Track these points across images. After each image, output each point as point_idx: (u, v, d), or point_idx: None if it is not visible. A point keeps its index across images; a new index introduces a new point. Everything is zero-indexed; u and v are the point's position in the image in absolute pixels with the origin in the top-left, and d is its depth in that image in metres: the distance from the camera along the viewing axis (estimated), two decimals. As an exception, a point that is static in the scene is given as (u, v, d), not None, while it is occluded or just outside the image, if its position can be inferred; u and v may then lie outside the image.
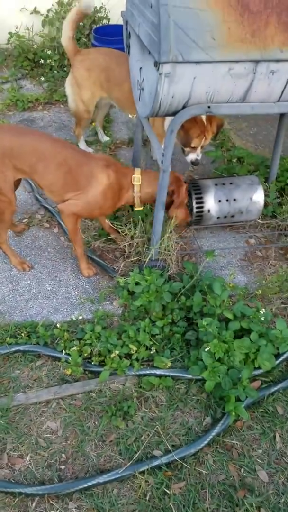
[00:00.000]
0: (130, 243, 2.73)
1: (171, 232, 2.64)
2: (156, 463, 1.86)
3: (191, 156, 2.87)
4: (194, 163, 2.90)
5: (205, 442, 1.92)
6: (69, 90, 3.23)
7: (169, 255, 2.62)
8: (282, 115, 2.85)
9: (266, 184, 3.13)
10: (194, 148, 2.83)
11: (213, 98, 2.08)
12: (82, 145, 3.54)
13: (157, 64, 1.91)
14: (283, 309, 2.51)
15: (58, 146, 2.33)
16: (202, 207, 2.79)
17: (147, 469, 1.85)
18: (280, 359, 2.19)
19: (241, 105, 2.15)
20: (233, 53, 1.92)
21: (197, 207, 2.79)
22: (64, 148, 2.34)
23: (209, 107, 2.11)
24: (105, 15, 4.67)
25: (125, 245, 2.72)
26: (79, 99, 3.21)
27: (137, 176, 2.45)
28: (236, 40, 1.91)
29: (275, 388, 2.10)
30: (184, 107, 2.12)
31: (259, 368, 2.14)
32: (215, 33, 1.88)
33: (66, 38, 3.10)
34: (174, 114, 2.16)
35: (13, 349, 2.22)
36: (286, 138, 3.68)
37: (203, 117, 2.71)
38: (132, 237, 2.72)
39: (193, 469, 1.87)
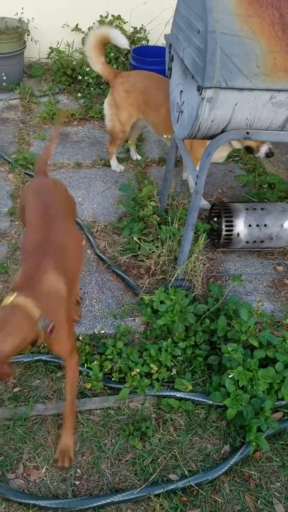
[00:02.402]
0: (156, 261, 2.74)
1: (199, 252, 2.64)
2: (171, 487, 1.83)
3: (264, 149, 2.86)
4: (269, 155, 2.91)
5: (223, 470, 1.88)
6: (107, 109, 3.34)
7: (195, 276, 2.62)
8: None
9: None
10: (263, 142, 2.84)
11: (253, 124, 2.10)
12: (114, 162, 3.60)
13: (200, 89, 1.94)
14: (309, 340, 2.46)
15: None
16: (231, 230, 2.79)
17: (162, 492, 1.82)
18: (304, 391, 2.15)
19: (280, 133, 2.16)
20: (277, 82, 1.95)
21: (227, 230, 2.79)
22: None
23: (247, 133, 2.13)
24: (144, 36, 4.78)
25: (151, 263, 2.73)
26: (117, 119, 3.30)
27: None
28: (280, 69, 1.93)
29: (297, 421, 2.06)
30: (222, 131, 2.14)
31: (282, 399, 2.10)
32: (260, 62, 1.91)
33: (96, 64, 3.24)
34: (211, 138, 2.18)
35: (35, 358, 2.23)
36: None
37: None
38: (159, 255, 2.73)
39: (209, 497, 1.83)
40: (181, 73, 2.33)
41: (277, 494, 1.86)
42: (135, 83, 3.19)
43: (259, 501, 1.83)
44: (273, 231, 2.77)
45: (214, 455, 1.97)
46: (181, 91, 2.32)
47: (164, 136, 3.12)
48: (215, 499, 1.83)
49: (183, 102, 2.27)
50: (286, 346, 2.17)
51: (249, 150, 2.92)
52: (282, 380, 2.09)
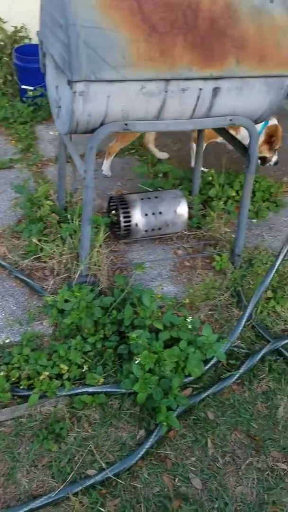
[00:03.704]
0: (59, 260, 2.70)
1: (100, 246, 2.65)
2: (90, 482, 1.83)
3: (274, 159, 3.47)
4: (276, 163, 3.50)
5: (139, 455, 1.91)
6: None
7: (100, 270, 2.62)
8: (199, 131, 2.98)
9: (190, 197, 3.24)
10: (275, 151, 3.41)
11: (129, 116, 2.14)
12: (108, 164, 3.57)
13: (70, 83, 1.93)
14: (211, 316, 2.59)
15: None
16: (130, 221, 2.83)
17: (81, 490, 1.81)
18: (209, 365, 2.25)
19: (157, 123, 2.22)
20: (144, 72, 2.00)
21: (125, 221, 2.83)
22: None
23: (126, 124, 2.17)
24: (26, 35, 4.66)
25: (53, 263, 2.69)
26: None
27: None
28: (146, 59, 1.98)
29: (205, 394, 2.15)
30: (102, 124, 2.16)
31: (189, 375, 2.18)
32: (125, 53, 1.95)
33: None
34: (92, 132, 2.19)
35: None
36: (207, 153, 3.85)
37: (276, 121, 3.32)
38: (60, 254, 2.69)
39: (127, 485, 1.86)
40: (54, 69, 2.30)
41: (193, 469, 1.93)
42: None
43: (177, 478, 1.89)
44: (168, 218, 2.86)
45: (130, 443, 2.00)
46: (57, 86, 2.29)
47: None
48: (134, 485, 1.86)
49: (60, 98, 2.25)
50: (187, 324, 2.25)
51: (263, 159, 3.48)
52: (187, 357, 2.17)
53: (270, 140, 3.40)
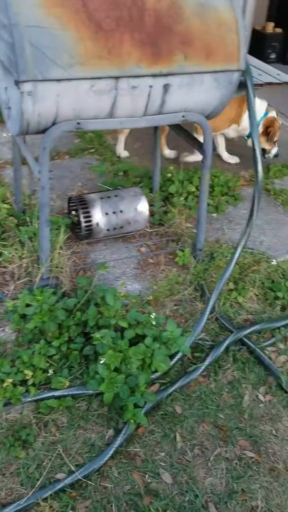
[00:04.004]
0: (19, 265, 2.66)
1: (61, 248, 2.62)
2: (59, 486, 1.81)
3: (275, 150, 3.54)
4: (276, 155, 3.59)
5: (108, 455, 1.90)
6: None
7: (61, 272, 2.60)
8: (156, 128, 2.99)
9: (151, 194, 3.26)
10: (275, 143, 3.47)
11: (81, 114, 2.13)
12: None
13: (17, 83, 1.90)
14: (176, 311, 2.61)
15: None
16: (90, 220, 2.82)
17: (51, 494, 1.79)
18: (175, 359, 2.26)
19: (110, 121, 2.21)
20: (93, 70, 1.99)
21: (86, 221, 2.81)
22: None
23: (78, 123, 2.15)
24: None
25: (13, 267, 2.64)
26: None
27: None
28: (93, 57, 1.97)
29: (172, 389, 2.16)
30: (54, 124, 2.13)
31: (156, 371, 2.19)
32: (73, 51, 1.93)
33: None
34: (44, 132, 2.16)
35: None
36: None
37: (275, 114, 3.41)
38: (20, 258, 2.65)
39: (98, 485, 1.85)
40: (2, 70, 2.26)
41: (163, 464, 1.94)
42: None
43: (147, 475, 1.90)
44: (129, 216, 2.86)
45: (99, 443, 1.98)
46: (6, 87, 2.25)
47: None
48: (104, 485, 1.85)
49: (9, 99, 2.21)
50: (151, 321, 2.26)
51: (263, 151, 3.43)
52: (153, 353, 2.17)
53: (267, 131, 3.45)
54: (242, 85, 2.27)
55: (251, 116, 2.24)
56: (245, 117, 3.40)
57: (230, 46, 2.14)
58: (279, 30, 5.41)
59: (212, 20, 2.10)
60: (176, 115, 2.30)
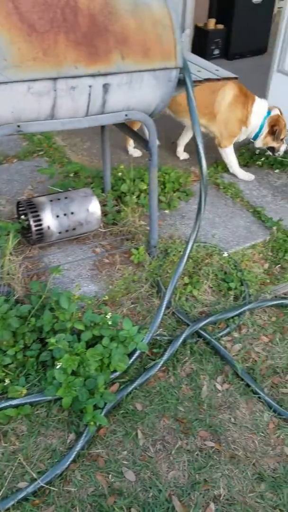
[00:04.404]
0: None
1: (11, 254, 2.57)
2: (22, 495, 1.78)
3: (284, 147, 3.56)
4: (286, 151, 3.62)
5: (70, 459, 1.89)
6: None
7: (13, 278, 2.55)
8: (102, 128, 2.98)
9: (103, 194, 3.25)
10: (282, 140, 3.48)
11: (21, 117, 2.09)
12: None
13: None
14: (133, 309, 2.62)
15: None
16: (41, 224, 2.78)
17: (13, 504, 1.76)
18: (134, 357, 2.27)
19: (51, 122, 2.19)
20: (29, 72, 1.95)
21: (36, 225, 2.77)
22: None
23: (18, 126, 2.11)
24: None
25: None
26: None
27: None
28: (28, 59, 1.94)
29: (132, 386, 2.17)
30: (-7, 128, 2.08)
31: (115, 371, 2.19)
32: (6, 54, 1.89)
33: None
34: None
35: None
36: (116, 149, 3.88)
37: (278, 111, 3.43)
38: None
39: (61, 490, 1.83)
40: None
41: (125, 462, 1.94)
42: None
43: (110, 475, 1.90)
44: (81, 217, 2.84)
45: (60, 448, 1.97)
46: None
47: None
48: (68, 490, 1.84)
49: None
50: (108, 321, 2.26)
51: (271, 149, 3.60)
52: (111, 353, 2.17)
53: (272, 130, 3.47)
54: (181, 82, 2.30)
55: (192, 111, 2.27)
56: (252, 117, 3.44)
57: (166, 44, 2.16)
58: (220, 26, 5.51)
59: (147, 19, 2.12)
60: (119, 114, 2.30)
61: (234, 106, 3.39)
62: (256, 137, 3.53)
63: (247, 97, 3.42)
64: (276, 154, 3.64)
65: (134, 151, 3.90)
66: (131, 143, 3.88)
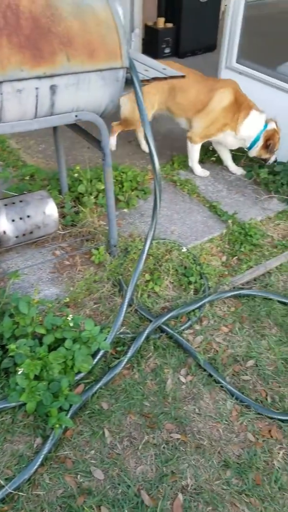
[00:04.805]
0: None
1: None
2: (-11, 505, 1.77)
3: (274, 157, 3.65)
4: (275, 161, 3.69)
5: (37, 464, 1.89)
6: (126, 102, 3.52)
7: (-29, 287, 2.50)
8: (54, 129, 2.97)
9: (61, 196, 3.24)
10: (273, 152, 3.59)
11: None
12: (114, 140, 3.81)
13: None
14: (96, 309, 2.63)
15: None
16: (-3, 230, 2.74)
17: (-19, 516, 1.74)
18: (98, 357, 2.28)
19: (0, 125, 2.16)
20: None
21: (-8, 231, 2.72)
22: None
23: None
24: None
25: None
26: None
27: None
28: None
29: (97, 386, 2.18)
30: None
31: (79, 372, 2.20)
32: None
33: None
34: None
35: None
36: (71, 150, 3.87)
37: (274, 125, 3.50)
38: None
39: (30, 495, 1.83)
40: None
41: (93, 461, 1.95)
42: None
43: (79, 475, 1.90)
44: (38, 220, 2.82)
45: (27, 453, 1.96)
46: None
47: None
48: (36, 494, 1.84)
49: None
50: (69, 323, 2.25)
51: (263, 159, 3.67)
52: (74, 355, 2.17)
53: (266, 144, 3.51)
54: (129, 82, 2.32)
55: (140, 109, 2.30)
56: (244, 126, 3.46)
57: (111, 44, 2.18)
58: (170, 25, 5.57)
59: (90, 20, 2.12)
60: (69, 115, 2.30)
61: (226, 112, 3.44)
62: (251, 147, 3.60)
63: (242, 106, 3.45)
64: (267, 163, 3.72)
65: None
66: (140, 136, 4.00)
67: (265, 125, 3.50)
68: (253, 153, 3.63)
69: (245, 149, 3.68)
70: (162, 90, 3.51)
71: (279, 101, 3.63)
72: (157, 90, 3.48)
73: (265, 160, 3.71)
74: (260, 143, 3.53)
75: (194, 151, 3.68)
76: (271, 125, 3.51)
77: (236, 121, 3.46)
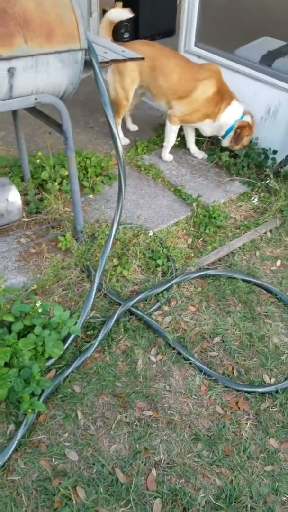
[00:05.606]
0: None
1: None
2: None
3: (242, 151, 3.66)
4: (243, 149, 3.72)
5: (11, 450, 1.89)
6: (111, 78, 3.55)
7: None
8: (14, 114, 2.90)
9: (23, 183, 3.18)
10: (245, 146, 3.65)
11: None
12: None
13: None
14: (65, 295, 2.62)
15: None
16: None
17: None
18: (68, 342, 2.29)
19: None
20: None
21: None
22: None
23: None
24: None
25: None
26: (120, 86, 3.53)
27: None
28: None
29: (69, 370, 2.20)
30: None
31: (50, 357, 2.20)
32: None
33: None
34: None
35: None
36: (33, 136, 3.80)
37: (250, 119, 3.53)
38: None
39: (5, 481, 1.83)
40: None
41: (67, 444, 1.97)
42: (141, 50, 3.28)
43: (53, 458, 1.92)
44: (1, 207, 2.77)
45: (1, 440, 1.95)
46: None
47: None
48: (12, 479, 1.84)
49: None
50: (38, 309, 2.24)
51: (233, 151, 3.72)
52: (44, 340, 2.17)
53: (235, 132, 3.51)
54: (89, 64, 2.30)
55: (101, 93, 2.29)
56: (223, 115, 3.47)
57: (69, 25, 2.14)
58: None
59: (46, 0, 2.08)
60: (28, 98, 2.25)
61: (209, 102, 3.45)
62: (225, 136, 3.62)
63: (224, 96, 3.47)
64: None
65: (133, 127, 4.15)
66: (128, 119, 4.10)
67: (242, 116, 3.54)
68: (226, 142, 3.67)
69: (220, 137, 3.72)
70: (141, 67, 3.50)
71: (237, 83, 3.69)
72: (136, 65, 3.48)
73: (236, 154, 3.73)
74: (233, 133, 3.57)
75: (172, 132, 3.68)
76: (247, 118, 3.56)
77: (217, 111, 3.50)
